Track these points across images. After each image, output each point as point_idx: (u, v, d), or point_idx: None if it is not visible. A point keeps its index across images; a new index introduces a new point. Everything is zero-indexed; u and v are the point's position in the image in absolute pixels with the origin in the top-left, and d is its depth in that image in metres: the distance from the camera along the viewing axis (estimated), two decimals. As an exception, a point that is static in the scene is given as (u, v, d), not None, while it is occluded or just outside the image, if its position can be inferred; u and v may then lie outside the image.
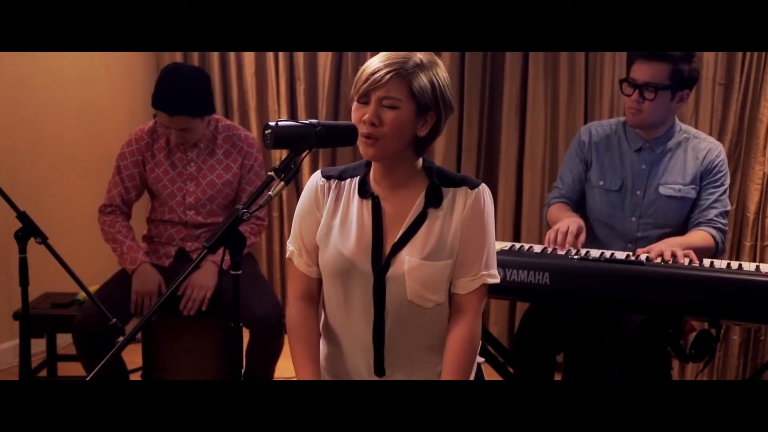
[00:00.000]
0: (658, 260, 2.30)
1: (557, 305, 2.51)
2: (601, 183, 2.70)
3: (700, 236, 2.56)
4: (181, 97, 2.67)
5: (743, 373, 3.46)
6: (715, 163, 2.62)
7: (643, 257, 2.32)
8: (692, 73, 2.56)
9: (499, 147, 3.80)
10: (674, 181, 2.62)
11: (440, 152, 3.84)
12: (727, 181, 2.66)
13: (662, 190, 2.62)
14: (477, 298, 1.81)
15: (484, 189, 1.81)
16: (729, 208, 2.65)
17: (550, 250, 2.44)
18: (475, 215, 1.79)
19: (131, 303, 2.74)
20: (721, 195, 2.62)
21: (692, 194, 2.62)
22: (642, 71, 2.53)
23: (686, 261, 2.29)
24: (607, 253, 2.36)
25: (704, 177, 2.62)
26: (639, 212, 2.65)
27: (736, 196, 3.42)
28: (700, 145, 2.65)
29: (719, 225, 2.59)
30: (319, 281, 1.89)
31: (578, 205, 2.78)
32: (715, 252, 2.55)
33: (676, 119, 2.69)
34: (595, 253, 2.39)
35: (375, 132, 1.71)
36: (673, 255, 2.32)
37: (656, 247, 2.39)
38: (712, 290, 2.14)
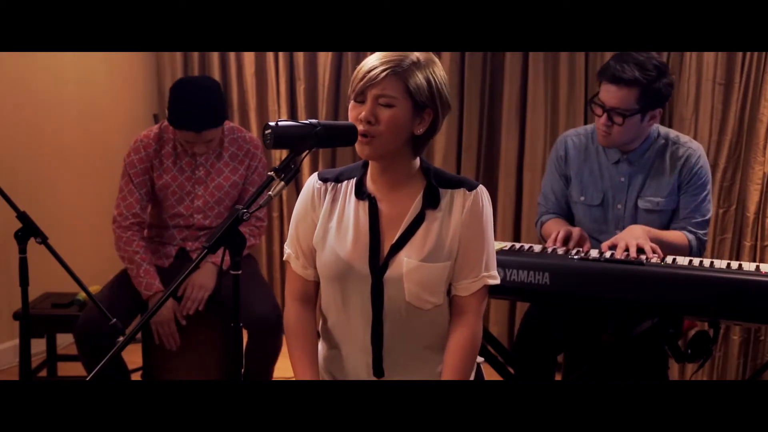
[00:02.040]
0: (623, 256, 2.30)
1: (557, 305, 2.51)
2: (582, 198, 2.66)
3: (674, 234, 2.54)
4: (203, 112, 2.67)
5: (743, 373, 3.46)
6: (694, 170, 2.55)
7: (627, 253, 2.31)
8: (665, 90, 2.47)
9: (499, 147, 3.80)
10: (653, 194, 2.58)
11: (440, 152, 3.84)
12: (708, 187, 2.59)
13: (641, 203, 2.59)
14: (478, 299, 1.81)
15: (482, 190, 1.81)
16: (709, 216, 2.60)
17: (550, 250, 2.44)
18: (474, 217, 1.78)
19: (153, 334, 2.74)
20: (700, 204, 2.56)
21: (671, 206, 2.58)
22: (609, 95, 2.46)
23: (653, 257, 2.28)
24: (607, 253, 2.36)
25: (682, 186, 2.57)
26: (622, 225, 2.60)
27: (736, 196, 3.42)
28: (679, 151, 2.57)
29: (698, 235, 2.56)
30: (316, 283, 1.89)
31: (569, 220, 2.73)
32: (689, 255, 2.51)
33: (655, 124, 2.59)
34: (595, 253, 2.39)
35: (371, 130, 1.70)
36: (639, 249, 2.31)
37: (622, 241, 2.36)
38: (712, 290, 2.14)
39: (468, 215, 1.78)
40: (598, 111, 2.52)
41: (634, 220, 2.59)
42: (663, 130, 2.64)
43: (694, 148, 2.60)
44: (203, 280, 2.74)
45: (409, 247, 1.77)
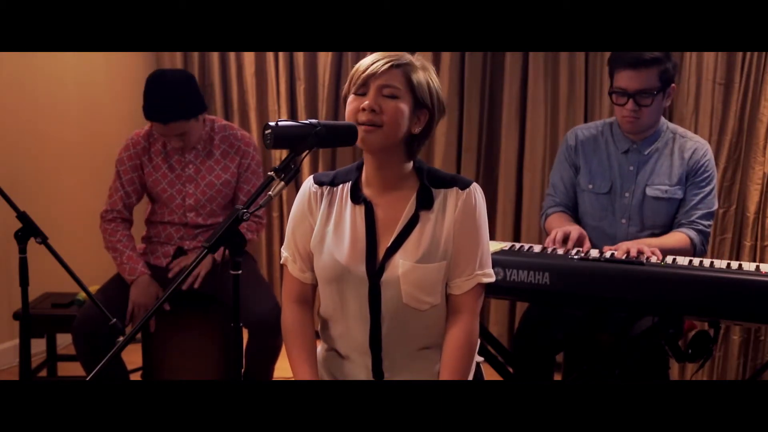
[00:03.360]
0: (624, 257, 2.31)
1: (557, 305, 2.51)
2: (590, 186, 2.68)
3: (675, 238, 2.56)
4: (170, 103, 2.68)
5: (743, 373, 3.46)
6: (701, 162, 2.60)
7: (620, 254, 2.31)
8: (674, 68, 2.58)
9: (499, 147, 3.80)
10: (661, 182, 2.60)
11: (440, 152, 3.84)
12: (714, 181, 2.63)
13: (649, 191, 2.61)
14: (473, 297, 1.81)
15: (475, 188, 1.81)
16: (714, 208, 2.63)
17: (550, 250, 2.44)
18: (467, 215, 1.78)
19: (127, 313, 2.74)
20: (706, 196, 2.59)
21: (678, 195, 2.60)
22: (631, 80, 2.50)
23: (653, 258, 2.29)
24: (607, 253, 2.36)
25: (689, 177, 2.60)
26: (628, 214, 2.63)
27: (736, 196, 3.42)
28: (687, 144, 2.63)
29: (701, 227, 2.58)
30: (313, 286, 1.89)
31: (575, 211, 2.76)
32: (693, 254, 2.53)
33: (663, 118, 2.67)
34: (595, 253, 2.39)
35: (375, 119, 1.70)
36: (640, 252, 2.32)
37: (623, 245, 2.38)
38: (712, 290, 2.14)
39: (460, 213, 1.78)
40: (622, 100, 2.55)
41: (642, 210, 2.62)
42: (671, 125, 2.70)
43: (702, 142, 2.66)
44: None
45: (404, 249, 1.77)
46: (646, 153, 2.63)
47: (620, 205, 2.65)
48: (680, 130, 2.69)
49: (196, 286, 2.76)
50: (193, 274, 2.75)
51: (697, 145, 2.63)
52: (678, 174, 2.60)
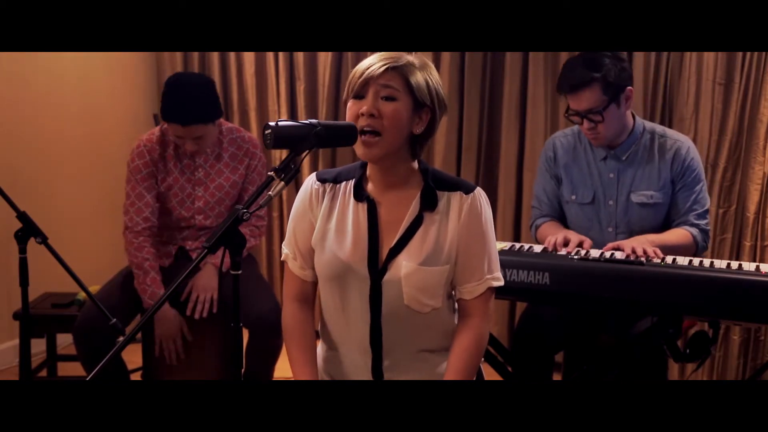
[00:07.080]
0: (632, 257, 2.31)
1: (557, 305, 2.51)
2: (574, 197, 2.67)
3: (677, 234, 2.54)
4: (191, 105, 2.66)
5: (743, 373, 3.46)
6: (686, 163, 2.56)
7: (624, 254, 2.31)
8: (623, 73, 2.49)
9: (499, 147, 3.80)
10: (645, 187, 2.58)
11: (440, 152, 3.84)
12: (702, 177, 2.60)
13: (634, 198, 2.59)
14: (483, 301, 1.81)
15: (479, 193, 1.80)
16: (708, 205, 2.61)
17: (550, 249, 2.44)
18: (474, 221, 1.78)
19: (155, 346, 2.72)
20: (698, 195, 2.57)
21: (664, 199, 2.58)
22: (576, 103, 2.49)
23: (654, 258, 2.29)
24: (607, 253, 2.36)
25: (677, 180, 2.57)
26: (615, 222, 2.61)
27: (736, 196, 3.42)
28: (667, 144, 2.58)
29: (701, 226, 2.57)
30: (314, 284, 1.89)
31: (562, 221, 2.74)
32: (696, 251, 2.53)
33: (638, 119, 2.63)
34: (595, 253, 2.39)
35: (374, 124, 1.69)
36: (645, 252, 2.32)
37: (627, 244, 2.37)
38: (712, 290, 2.14)
39: (466, 219, 1.77)
40: (577, 119, 2.54)
41: (628, 217, 2.60)
42: (648, 125, 2.65)
43: (682, 140, 2.61)
44: (206, 281, 2.74)
45: (408, 251, 1.76)
46: (624, 159, 2.59)
47: (605, 214, 2.63)
48: (659, 129, 2.64)
49: (215, 310, 2.74)
50: (205, 301, 2.72)
51: (678, 144, 2.58)
52: (663, 178, 2.57)
